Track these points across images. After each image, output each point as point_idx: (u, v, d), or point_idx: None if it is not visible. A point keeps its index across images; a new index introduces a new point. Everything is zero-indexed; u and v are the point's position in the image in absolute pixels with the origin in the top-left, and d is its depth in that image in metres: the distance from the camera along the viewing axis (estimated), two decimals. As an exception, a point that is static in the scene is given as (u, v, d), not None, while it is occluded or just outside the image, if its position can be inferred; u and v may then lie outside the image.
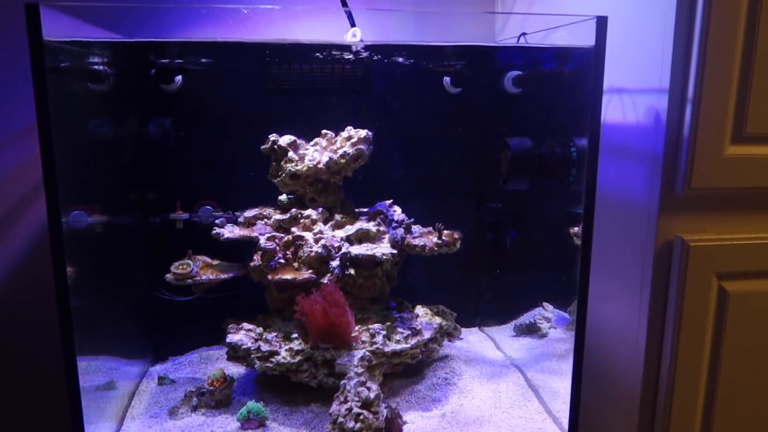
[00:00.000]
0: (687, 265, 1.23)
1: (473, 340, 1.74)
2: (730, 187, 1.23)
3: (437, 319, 1.48)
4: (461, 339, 1.71)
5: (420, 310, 1.50)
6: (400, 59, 1.55)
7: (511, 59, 1.56)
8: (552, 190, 1.48)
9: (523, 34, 1.38)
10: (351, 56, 1.43)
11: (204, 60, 1.52)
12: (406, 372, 1.46)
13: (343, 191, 1.53)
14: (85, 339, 1.17)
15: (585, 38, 1.14)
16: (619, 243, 1.38)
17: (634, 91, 1.31)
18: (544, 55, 1.44)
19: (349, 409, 1.20)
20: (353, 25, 1.41)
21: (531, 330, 1.69)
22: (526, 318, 1.71)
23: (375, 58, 1.50)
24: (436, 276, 1.75)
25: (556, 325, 1.66)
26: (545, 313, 1.70)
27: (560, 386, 1.41)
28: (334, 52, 1.45)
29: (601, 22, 1.05)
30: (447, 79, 1.62)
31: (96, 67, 1.37)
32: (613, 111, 1.38)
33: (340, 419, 1.19)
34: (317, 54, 1.47)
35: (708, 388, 1.30)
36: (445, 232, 1.45)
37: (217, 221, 1.47)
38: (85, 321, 1.17)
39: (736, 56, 1.15)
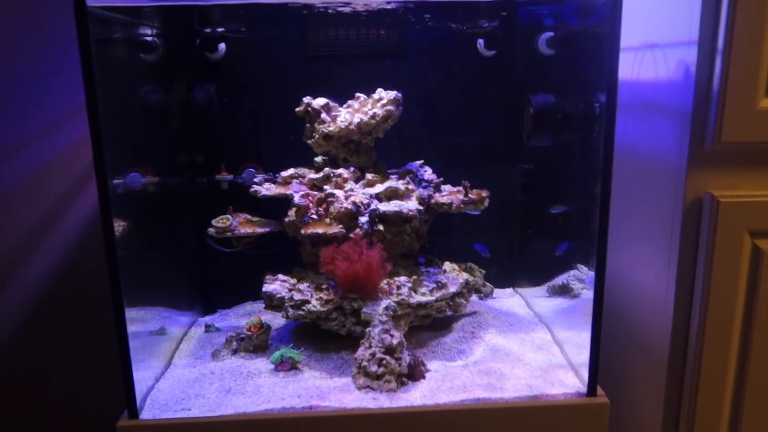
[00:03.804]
0: (717, 222, 1.21)
1: (506, 299, 1.77)
2: (764, 141, 1.19)
3: (464, 275, 1.52)
4: (494, 298, 1.75)
5: (448, 266, 1.54)
6: (434, 21, 1.57)
7: (543, 18, 1.55)
8: (583, 148, 1.47)
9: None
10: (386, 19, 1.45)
11: (245, 28, 1.61)
12: (434, 325, 1.51)
13: (378, 153, 1.59)
14: (140, 290, 1.28)
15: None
16: (649, 200, 1.37)
17: (665, 45, 1.28)
18: (574, 12, 1.42)
19: (373, 354, 1.26)
20: None
21: (563, 291, 1.69)
22: (559, 279, 1.72)
23: (411, 19, 1.53)
24: (472, 238, 1.78)
25: (589, 285, 1.65)
26: (579, 275, 1.69)
27: (586, 342, 1.42)
28: (369, 16, 1.48)
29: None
30: (480, 41, 1.64)
31: (146, 38, 1.48)
32: (646, 67, 1.35)
33: (364, 363, 1.26)
34: (353, 19, 1.51)
35: (741, 347, 1.28)
36: (473, 190, 1.48)
37: (255, 179, 1.56)
38: (140, 274, 1.29)
39: (769, 3, 1.11)
